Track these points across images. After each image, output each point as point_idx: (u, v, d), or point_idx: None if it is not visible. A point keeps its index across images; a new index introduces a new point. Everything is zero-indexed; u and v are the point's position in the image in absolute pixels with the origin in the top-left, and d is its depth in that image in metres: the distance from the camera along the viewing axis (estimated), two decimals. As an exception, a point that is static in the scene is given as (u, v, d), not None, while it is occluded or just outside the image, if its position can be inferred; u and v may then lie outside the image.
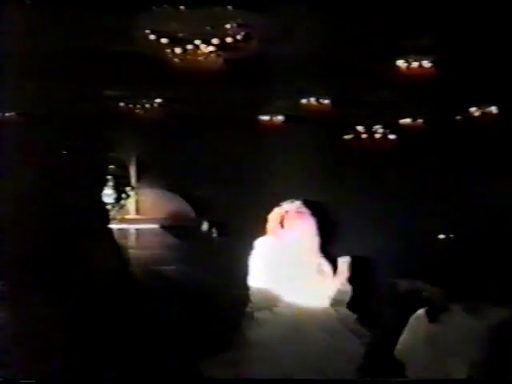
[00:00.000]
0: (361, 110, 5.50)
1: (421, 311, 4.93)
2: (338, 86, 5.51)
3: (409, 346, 4.86)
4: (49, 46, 5.47)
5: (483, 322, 4.81)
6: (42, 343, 4.83)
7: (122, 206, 5.53)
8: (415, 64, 5.47)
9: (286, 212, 5.22)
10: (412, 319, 4.93)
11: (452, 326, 4.83)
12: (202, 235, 5.43)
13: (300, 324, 4.95)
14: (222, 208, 5.38)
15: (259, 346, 4.86)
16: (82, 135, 5.54)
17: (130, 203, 5.54)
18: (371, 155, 5.43)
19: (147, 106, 5.59)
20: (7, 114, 5.51)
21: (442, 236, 5.28)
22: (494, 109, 5.45)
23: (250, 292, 5.10)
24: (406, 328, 4.91)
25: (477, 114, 5.47)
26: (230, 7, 5.48)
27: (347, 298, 5.05)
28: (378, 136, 5.48)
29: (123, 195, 5.53)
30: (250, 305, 5.06)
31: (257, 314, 5.03)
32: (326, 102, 5.54)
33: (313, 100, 5.54)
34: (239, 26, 5.48)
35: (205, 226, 5.41)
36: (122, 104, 5.58)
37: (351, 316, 5.02)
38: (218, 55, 5.50)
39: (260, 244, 5.19)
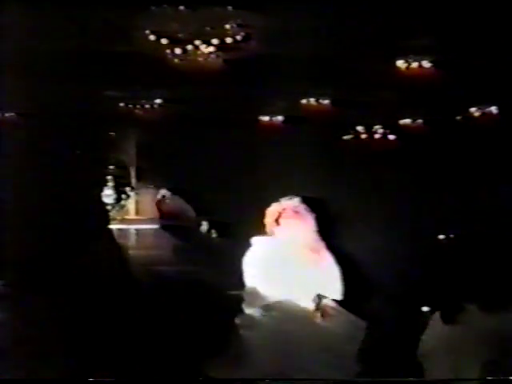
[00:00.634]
0: (361, 110, 5.50)
1: (437, 313, 4.95)
2: (338, 86, 5.51)
3: (427, 348, 4.86)
4: (49, 46, 5.47)
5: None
6: (41, 343, 4.83)
7: (122, 207, 5.52)
8: (415, 64, 5.47)
9: (284, 209, 5.23)
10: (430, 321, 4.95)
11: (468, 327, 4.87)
12: (201, 236, 5.42)
13: (293, 322, 4.94)
14: (221, 208, 5.38)
15: (255, 345, 4.86)
16: (82, 135, 5.54)
17: (130, 203, 5.53)
18: (371, 155, 5.43)
19: (147, 106, 5.59)
20: (7, 114, 5.51)
21: (441, 236, 5.27)
22: (493, 109, 5.45)
23: (245, 290, 5.09)
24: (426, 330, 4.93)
25: (477, 114, 5.46)
26: (229, 7, 5.49)
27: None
28: (377, 136, 5.48)
29: (123, 195, 5.52)
30: (245, 303, 5.06)
31: (250, 312, 5.02)
32: (326, 102, 5.53)
33: (313, 100, 5.53)
34: (239, 26, 5.48)
35: (204, 227, 5.41)
36: (121, 104, 5.58)
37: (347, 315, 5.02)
38: (218, 56, 5.50)
39: (255, 243, 5.19)
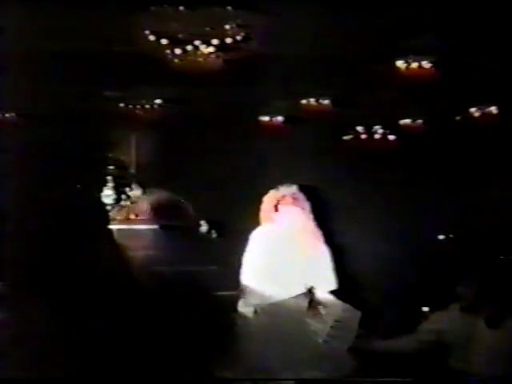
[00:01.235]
0: (360, 110, 5.50)
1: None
2: (338, 86, 5.51)
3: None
4: (49, 46, 5.47)
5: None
6: (42, 343, 4.84)
7: (122, 207, 5.54)
8: (415, 64, 5.46)
9: (283, 196, 5.17)
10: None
11: None
12: (201, 236, 5.43)
13: (291, 317, 4.93)
14: (221, 209, 5.38)
15: (254, 345, 4.86)
16: (82, 135, 5.55)
17: (130, 204, 5.54)
18: (371, 155, 5.43)
19: (147, 106, 5.59)
20: (7, 114, 5.52)
21: (441, 236, 5.28)
22: (493, 109, 5.45)
23: (242, 287, 5.08)
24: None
25: (477, 114, 5.46)
26: (229, 8, 5.48)
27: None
28: (377, 136, 5.48)
29: (123, 196, 5.54)
30: (242, 300, 5.04)
31: (247, 310, 5.01)
32: (326, 102, 5.53)
33: (312, 100, 5.53)
34: (239, 26, 5.48)
35: (204, 228, 5.42)
36: (121, 104, 5.58)
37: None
38: (218, 56, 5.50)
39: (253, 237, 5.15)
